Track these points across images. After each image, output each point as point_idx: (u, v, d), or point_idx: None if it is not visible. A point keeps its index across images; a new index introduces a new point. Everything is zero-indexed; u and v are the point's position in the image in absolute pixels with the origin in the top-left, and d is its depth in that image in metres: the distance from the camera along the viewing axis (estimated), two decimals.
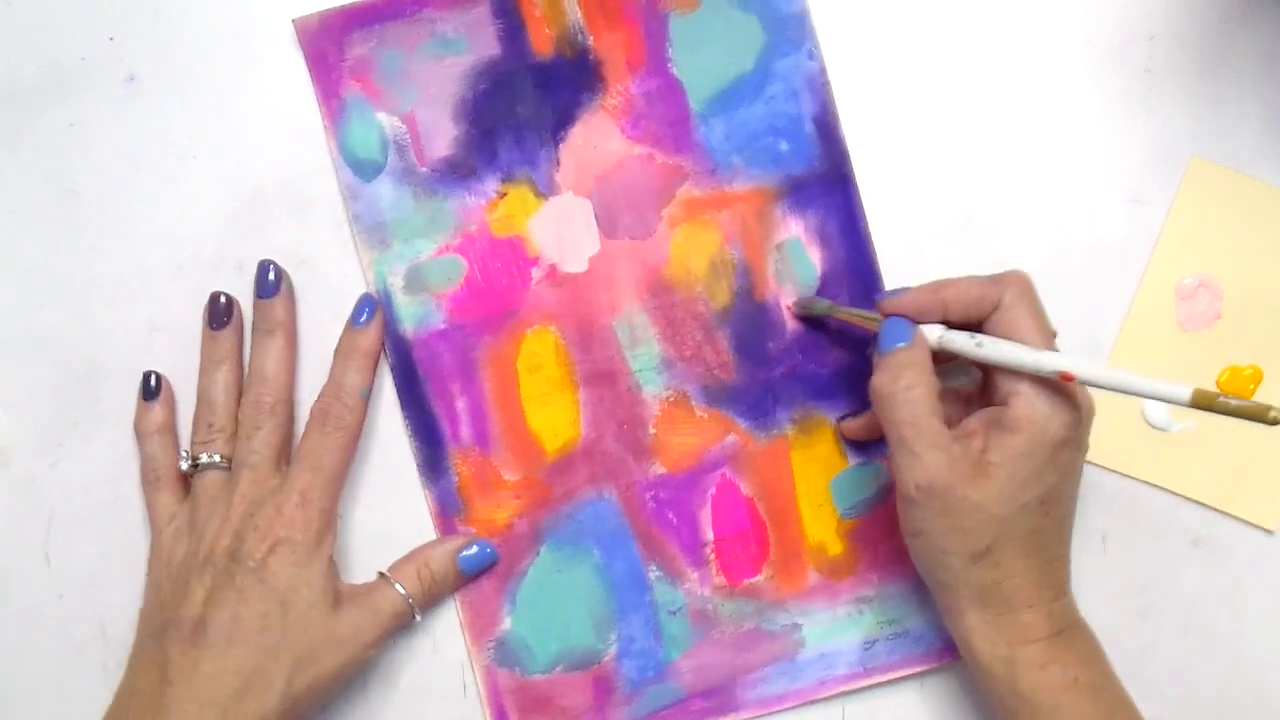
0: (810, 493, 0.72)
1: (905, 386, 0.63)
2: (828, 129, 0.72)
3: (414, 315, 0.71)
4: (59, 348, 0.72)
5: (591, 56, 0.71)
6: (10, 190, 0.72)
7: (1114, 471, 0.73)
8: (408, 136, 0.71)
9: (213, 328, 0.71)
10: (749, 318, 0.72)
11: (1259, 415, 0.57)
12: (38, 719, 0.72)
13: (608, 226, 0.71)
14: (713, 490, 0.72)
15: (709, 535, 0.72)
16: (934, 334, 0.65)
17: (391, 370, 0.71)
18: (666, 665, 0.72)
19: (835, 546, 0.73)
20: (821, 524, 0.73)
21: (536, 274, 0.71)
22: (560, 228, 0.71)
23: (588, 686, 0.72)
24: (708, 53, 0.71)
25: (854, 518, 0.73)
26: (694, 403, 0.72)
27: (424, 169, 0.71)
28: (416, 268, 0.71)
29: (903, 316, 0.66)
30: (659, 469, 0.72)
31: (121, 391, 0.71)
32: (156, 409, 0.71)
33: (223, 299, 0.71)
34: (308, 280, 0.72)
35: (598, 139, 0.71)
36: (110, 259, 0.72)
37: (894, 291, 0.68)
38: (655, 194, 0.72)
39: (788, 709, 0.73)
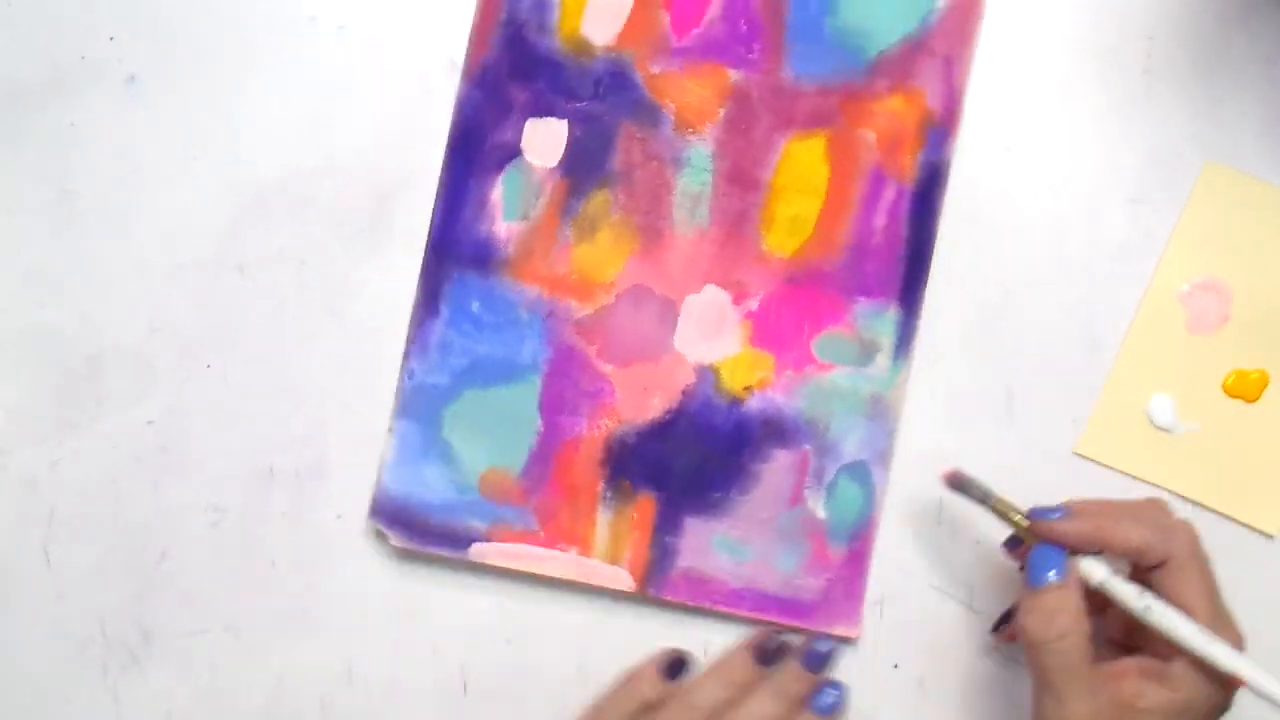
0: None
1: (1058, 635, 0.61)
2: None
3: None
4: (59, 347, 0.72)
5: None
6: (10, 190, 0.72)
7: (1116, 471, 0.73)
8: None
9: (754, 657, 0.69)
10: None
11: None
12: (38, 719, 0.72)
13: None
14: None
15: None
16: (1097, 574, 0.63)
17: None
18: None
19: None
20: None
21: None
22: None
23: None
24: None
25: None
26: None
27: None
28: None
29: (1055, 545, 0.64)
30: None
31: (121, 391, 0.72)
32: (665, 687, 0.68)
33: (777, 642, 0.69)
34: (308, 280, 0.72)
35: None
36: (110, 259, 0.72)
37: (1047, 511, 0.65)
38: None
39: None
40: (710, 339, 0.72)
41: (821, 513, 0.72)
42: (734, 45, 0.72)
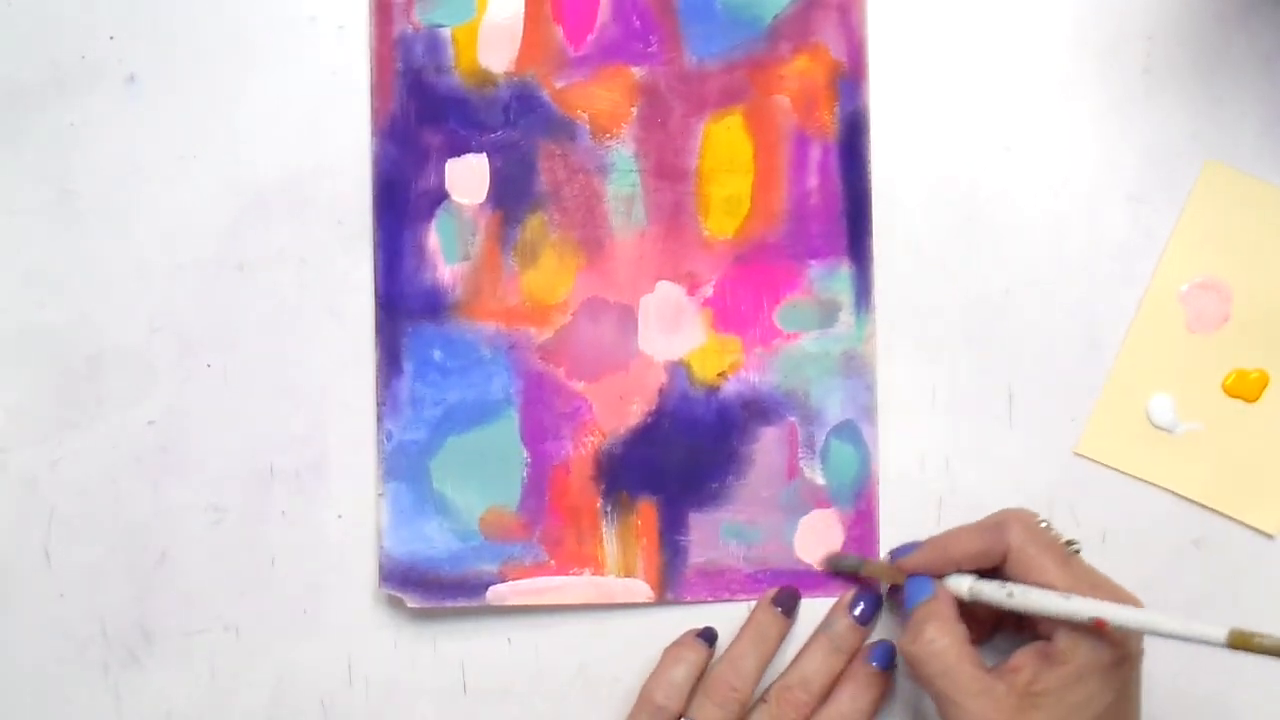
0: None
1: (928, 641, 0.63)
2: None
3: None
4: (59, 347, 0.72)
5: None
6: (10, 190, 0.72)
7: (1116, 470, 0.72)
8: None
9: (778, 608, 0.71)
10: None
11: None
12: (38, 719, 0.72)
13: None
14: None
15: None
16: (964, 585, 0.66)
17: None
18: None
19: None
20: None
21: None
22: None
23: None
24: None
25: None
26: None
27: None
28: None
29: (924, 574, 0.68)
30: None
31: (121, 391, 0.72)
32: (707, 650, 0.70)
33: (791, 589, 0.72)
34: (308, 280, 0.72)
35: None
36: (110, 259, 0.72)
37: (904, 549, 0.69)
38: None
39: None
40: (673, 334, 0.72)
41: (821, 479, 0.72)
42: (631, 43, 0.72)
